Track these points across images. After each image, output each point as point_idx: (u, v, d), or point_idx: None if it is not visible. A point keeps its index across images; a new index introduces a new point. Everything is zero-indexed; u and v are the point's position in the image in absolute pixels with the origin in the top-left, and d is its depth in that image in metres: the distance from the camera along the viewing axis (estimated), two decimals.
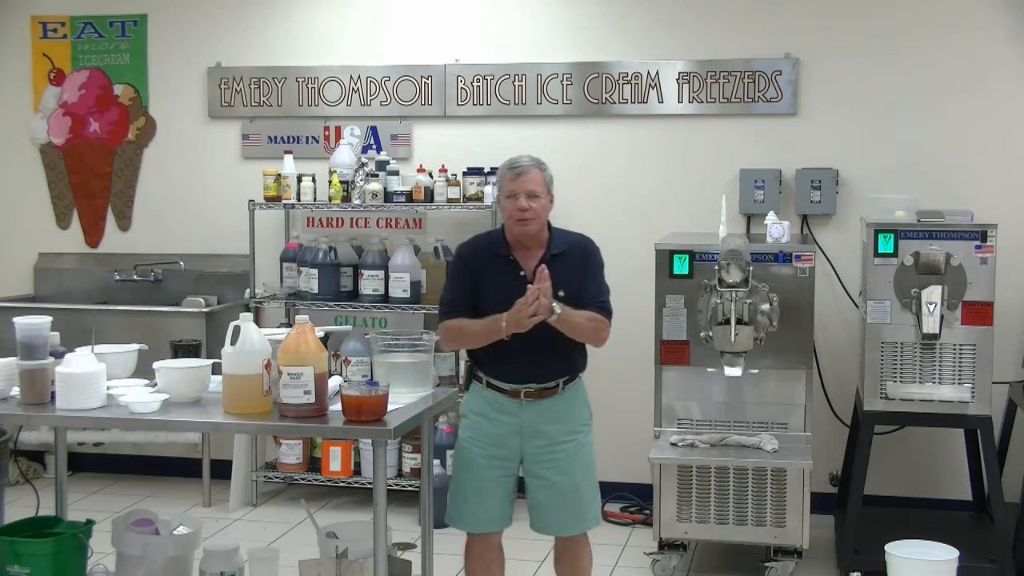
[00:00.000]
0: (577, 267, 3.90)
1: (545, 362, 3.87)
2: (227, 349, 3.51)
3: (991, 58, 5.53)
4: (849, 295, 5.57)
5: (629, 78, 5.88)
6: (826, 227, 5.70)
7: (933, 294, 4.65)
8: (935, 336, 4.67)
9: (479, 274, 3.92)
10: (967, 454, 5.30)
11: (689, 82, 5.81)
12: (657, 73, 5.84)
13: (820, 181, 5.61)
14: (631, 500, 5.83)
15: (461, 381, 3.94)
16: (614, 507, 5.81)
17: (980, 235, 4.68)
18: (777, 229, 4.98)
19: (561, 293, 3.79)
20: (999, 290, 4.73)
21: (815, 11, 5.69)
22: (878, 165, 5.64)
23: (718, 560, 5.09)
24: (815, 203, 5.62)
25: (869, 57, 5.63)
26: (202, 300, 6.16)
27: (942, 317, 4.65)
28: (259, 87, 6.28)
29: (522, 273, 3.86)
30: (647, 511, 5.50)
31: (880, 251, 4.76)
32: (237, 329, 3.51)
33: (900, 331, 4.74)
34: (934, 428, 5.25)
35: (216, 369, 3.70)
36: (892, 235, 4.74)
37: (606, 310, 3.93)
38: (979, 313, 4.68)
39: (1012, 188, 5.47)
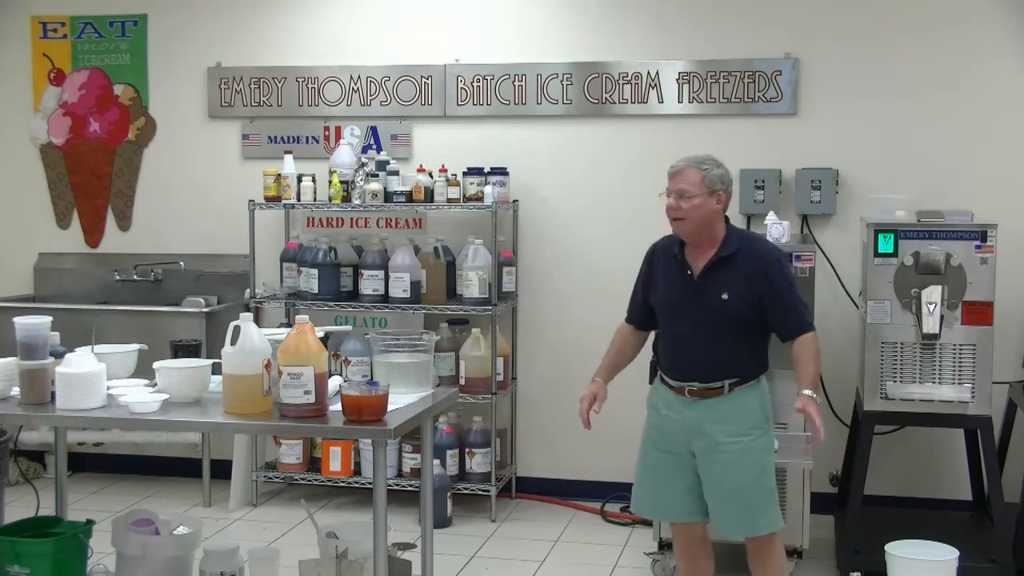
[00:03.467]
0: (747, 275, 3.84)
1: (710, 362, 3.89)
2: (227, 349, 3.51)
3: (992, 58, 5.53)
4: (849, 295, 5.57)
5: (629, 78, 5.88)
6: (826, 227, 5.70)
7: (933, 294, 4.65)
8: (935, 336, 4.67)
9: (654, 273, 4.04)
10: (967, 454, 5.30)
11: (689, 82, 5.81)
12: (657, 73, 5.84)
13: (820, 181, 5.61)
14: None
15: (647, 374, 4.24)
16: (614, 507, 5.82)
17: (980, 235, 4.68)
18: (777, 229, 4.99)
19: (724, 296, 3.83)
20: (999, 290, 4.73)
21: (815, 11, 5.69)
22: (878, 165, 5.64)
23: (719, 560, 5.05)
24: (815, 203, 5.62)
25: (869, 57, 5.63)
26: (202, 300, 6.16)
27: (942, 317, 4.65)
28: (259, 87, 6.28)
29: (689, 272, 3.91)
30: None
31: (880, 251, 4.76)
32: (237, 329, 3.50)
33: (900, 331, 4.74)
34: (934, 428, 5.24)
35: (216, 369, 3.70)
36: (892, 235, 4.74)
37: (809, 331, 3.90)
38: (979, 313, 4.68)
39: (1012, 188, 5.47)
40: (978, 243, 4.68)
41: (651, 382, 4.15)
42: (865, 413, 4.84)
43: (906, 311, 4.72)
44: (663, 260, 4.02)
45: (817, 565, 5.01)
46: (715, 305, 3.85)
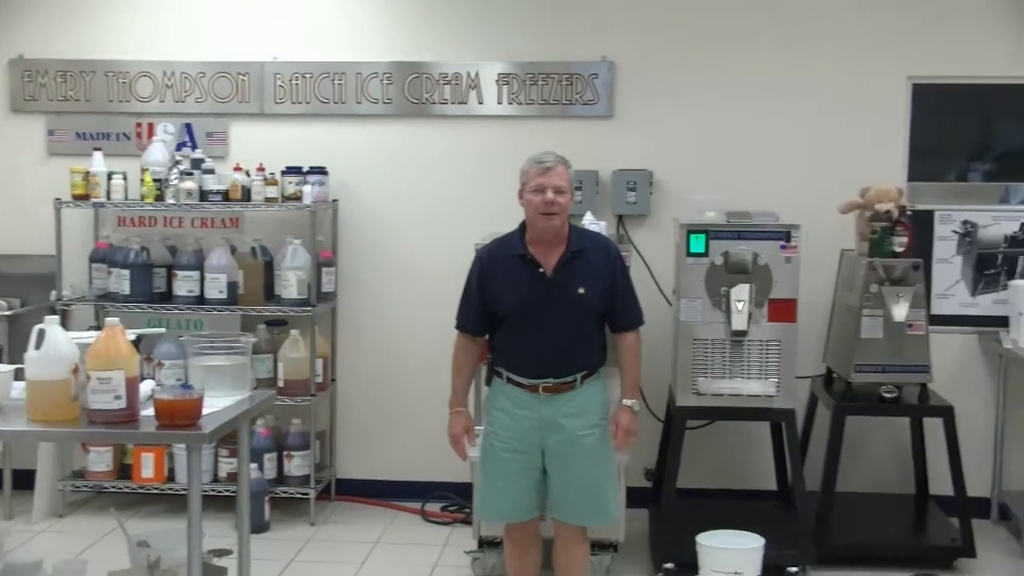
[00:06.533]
0: (598, 267, 4.00)
1: (565, 358, 3.96)
2: (31, 354, 3.37)
3: (797, 67, 5.76)
4: (663, 293, 5.72)
5: (449, 78, 5.90)
6: (641, 227, 5.85)
7: (741, 292, 4.83)
8: (743, 333, 4.85)
9: (494, 276, 4.03)
10: (773, 446, 5.52)
11: (508, 83, 5.87)
12: (477, 74, 5.88)
13: (635, 182, 5.75)
14: (451, 499, 5.86)
15: (483, 377, 4.27)
16: (434, 507, 5.83)
17: (784, 235, 4.89)
18: (594, 229, 5.08)
19: (581, 291, 3.94)
20: (802, 289, 4.94)
21: (631, 16, 5.83)
22: (690, 167, 5.81)
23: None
24: (630, 203, 5.76)
25: (682, 62, 5.80)
26: (4, 303, 5.88)
27: (750, 315, 4.83)
28: (65, 80, 6.04)
29: (541, 270, 3.96)
30: (467, 509, 5.54)
31: (692, 251, 4.91)
32: (42, 332, 3.38)
33: (711, 328, 4.90)
34: (742, 422, 5.43)
35: (20, 375, 3.54)
36: (703, 235, 4.90)
37: (641, 324, 4.15)
38: (784, 310, 4.88)
39: (814, 190, 5.68)
40: (783, 243, 4.88)
41: (488, 383, 4.17)
42: (677, 408, 4.99)
43: (716, 309, 4.88)
44: (501, 263, 4.04)
45: (632, 558, 5.13)
46: (572, 300, 3.96)
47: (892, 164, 5.71)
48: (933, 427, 5.30)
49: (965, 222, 5.76)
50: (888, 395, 5.11)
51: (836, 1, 5.74)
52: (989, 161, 5.81)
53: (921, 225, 5.52)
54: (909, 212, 5.28)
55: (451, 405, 4.14)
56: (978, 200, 5.77)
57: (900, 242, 5.14)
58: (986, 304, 5.77)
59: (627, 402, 4.10)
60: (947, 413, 5.08)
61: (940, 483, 5.40)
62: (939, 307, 5.73)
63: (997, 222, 5.75)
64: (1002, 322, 5.62)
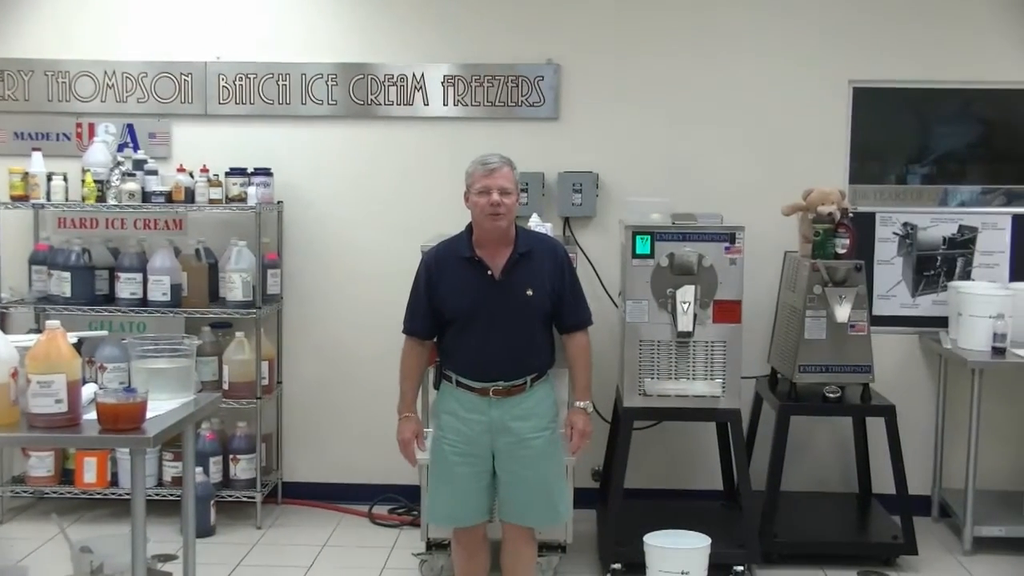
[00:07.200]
0: (546, 268, 4.00)
1: (515, 360, 3.96)
2: None
3: (738, 68, 5.82)
4: (609, 295, 5.75)
5: (395, 80, 5.89)
6: (587, 229, 5.87)
7: (687, 293, 4.86)
8: (689, 334, 4.88)
9: (441, 279, 4.00)
10: (719, 446, 5.57)
11: (454, 85, 5.87)
12: (423, 75, 5.87)
13: (581, 184, 5.77)
14: (399, 501, 5.84)
15: (431, 380, 4.24)
16: (382, 509, 5.82)
17: (729, 237, 4.93)
18: (540, 231, 5.10)
19: (529, 292, 3.94)
20: (746, 290, 4.99)
21: (576, 18, 5.85)
22: (635, 169, 5.85)
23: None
24: (576, 205, 5.78)
25: (627, 64, 5.84)
26: None
27: (695, 316, 4.87)
28: (3, 80, 5.95)
29: (489, 272, 3.95)
30: (415, 512, 5.53)
31: (638, 252, 4.94)
32: None
33: (657, 329, 4.93)
34: (689, 422, 5.47)
35: None
36: (649, 237, 4.93)
37: (589, 324, 4.17)
38: (729, 311, 4.92)
39: (757, 192, 5.76)
40: (727, 244, 4.93)
41: (436, 387, 4.16)
42: (625, 409, 5.01)
43: (662, 310, 4.91)
44: (449, 266, 4.03)
45: (580, 559, 5.15)
46: (520, 302, 3.96)
47: (834, 167, 5.79)
48: (875, 426, 5.37)
49: (905, 224, 5.85)
50: (831, 395, 5.18)
51: (778, 5, 5.81)
52: (928, 164, 5.91)
53: (863, 227, 5.61)
54: (851, 214, 5.37)
55: (400, 410, 4.13)
56: (918, 202, 5.87)
57: (842, 244, 5.22)
58: (926, 305, 5.87)
59: (580, 404, 4.12)
60: (889, 413, 5.15)
61: (882, 482, 5.49)
62: (881, 308, 5.82)
63: (936, 224, 5.85)
64: (942, 322, 5.72)
